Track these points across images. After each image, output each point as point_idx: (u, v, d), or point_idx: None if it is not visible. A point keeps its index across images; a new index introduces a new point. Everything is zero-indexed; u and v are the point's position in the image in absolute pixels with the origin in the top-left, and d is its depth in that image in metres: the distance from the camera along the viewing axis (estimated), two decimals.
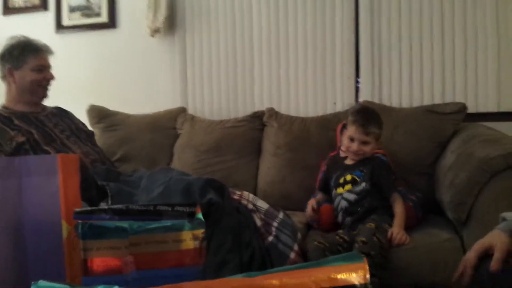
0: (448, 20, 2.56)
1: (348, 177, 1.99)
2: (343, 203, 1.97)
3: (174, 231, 0.90)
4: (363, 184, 1.95)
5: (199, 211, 0.94)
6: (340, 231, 1.89)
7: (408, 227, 1.85)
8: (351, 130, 1.99)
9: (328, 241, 1.81)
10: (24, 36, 2.11)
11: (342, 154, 2.15)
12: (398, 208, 1.89)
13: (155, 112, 2.90)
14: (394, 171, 2.11)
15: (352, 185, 1.97)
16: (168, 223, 0.90)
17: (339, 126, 2.33)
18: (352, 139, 1.98)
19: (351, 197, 1.96)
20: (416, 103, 2.59)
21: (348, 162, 2.05)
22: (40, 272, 0.97)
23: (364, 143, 1.97)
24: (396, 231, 1.79)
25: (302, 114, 2.73)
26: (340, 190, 1.99)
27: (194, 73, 2.96)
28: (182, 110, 2.91)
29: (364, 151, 1.98)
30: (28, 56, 2.04)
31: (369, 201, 1.93)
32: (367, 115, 2.01)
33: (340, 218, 1.98)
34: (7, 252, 0.98)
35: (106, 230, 0.87)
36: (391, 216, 1.88)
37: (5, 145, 1.91)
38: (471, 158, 1.83)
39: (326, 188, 2.11)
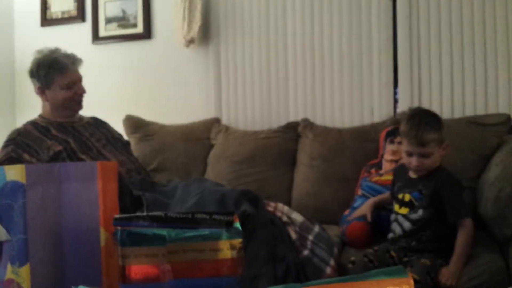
0: (490, 26, 2.49)
1: (407, 197, 1.76)
2: (398, 229, 1.76)
3: (211, 240, 0.89)
4: (420, 212, 1.71)
5: (236, 220, 0.92)
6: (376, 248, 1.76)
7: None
8: (405, 144, 1.74)
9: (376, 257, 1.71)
10: (50, 51, 2.09)
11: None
12: (460, 240, 1.66)
13: (190, 123, 2.92)
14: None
15: (409, 209, 1.74)
16: (205, 231, 0.89)
17: (383, 133, 2.23)
18: (410, 154, 1.73)
19: (406, 225, 1.74)
20: (457, 114, 2.52)
21: (412, 174, 1.82)
22: (78, 278, 0.97)
23: (424, 155, 1.70)
24: (448, 273, 1.60)
25: (337, 124, 2.69)
26: (397, 207, 1.79)
27: (229, 83, 2.97)
28: (216, 121, 2.92)
29: (427, 164, 1.71)
30: (55, 75, 2.04)
31: (428, 235, 1.70)
32: (419, 121, 1.71)
33: (390, 235, 1.81)
34: (46, 257, 0.99)
35: (145, 237, 0.87)
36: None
37: (42, 154, 1.94)
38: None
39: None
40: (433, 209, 1.69)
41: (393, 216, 1.81)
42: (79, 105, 2.14)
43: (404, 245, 1.74)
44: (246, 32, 2.92)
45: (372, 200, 1.99)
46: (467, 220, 1.68)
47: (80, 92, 2.11)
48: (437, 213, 1.69)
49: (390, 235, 1.81)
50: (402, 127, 1.77)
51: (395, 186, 1.87)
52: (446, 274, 1.60)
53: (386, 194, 1.97)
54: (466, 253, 1.66)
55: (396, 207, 1.80)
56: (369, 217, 1.90)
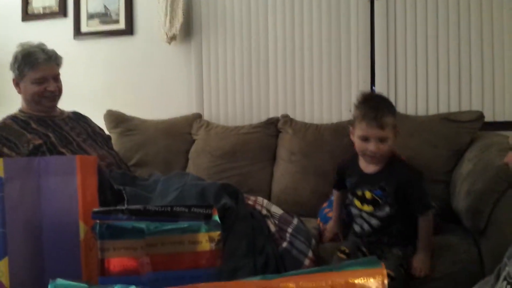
0: (464, 28, 2.55)
1: (368, 195, 1.70)
2: (366, 226, 1.72)
3: (190, 233, 0.90)
4: (387, 210, 1.67)
5: (215, 213, 0.94)
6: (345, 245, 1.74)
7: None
8: (361, 128, 1.63)
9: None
10: (29, 45, 2.07)
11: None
12: (424, 231, 1.66)
13: (171, 118, 2.92)
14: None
15: (374, 207, 1.69)
16: (184, 224, 0.91)
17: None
18: (365, 139, 1.63)
19: (374, 222, 1.71)
20: (432, 111, 2.58)
21: (365, 167, 1.73)
22: (57, 271, 0.98)
23: (382, 140, 1.61)
24: (420, 264, 1.62)
25: (316, 121, 2.73)
26: (358, 204, 1.73)
27: (210, 79, 2.98)
28: (198, 116, 2.93)
29: (383, 150, 1.62)
30: (25, 69, 2.02)
31: (398, 227, 1.69)
32: (377, 104, 1.64)
33: (357, 229, 1.78)
34: (25, 250, 0.99)
35: (123, 231, 0.88)
36: None
37: (22, 148, 1.93)
38: (488, 167, 1.81)
39: (343, 187, 1.86)
40: (399, 205, 1.66)
41: (355, 212, 1.76)
42: (50, 102, 2.10)
43: (374, 240, 1.72)
44: (227, 29, 2.94)
45: (332, 225, 1.96)
46: (428, 213, 1.67)
47: (51, 89, 2.06)
48: (403, 208, 1.67)
49: (357, 228, 1.77)
50: (358, 111, 1.65)
51: (347, 179, 1.79)
52: (418, 266, 1.63)
53: (336, 211, 1.95)
54: (431, 242, 1.69)
55: (357, 203, 1.74)
56: (341, 238, 1.91)
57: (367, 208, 1.70)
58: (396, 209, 1.66)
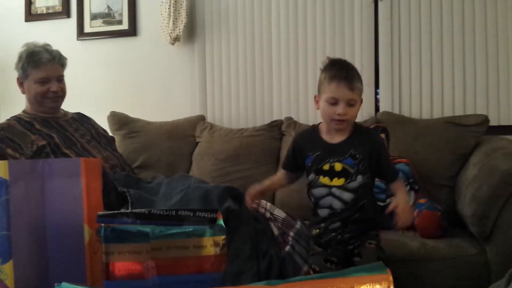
0: (470, 30, 2.54)
1: (338, 166, 1.57)
2: (337, 203, 1.58)
3: (195, 237, 0.90)
4: (359, 179, 1.56)
5: (220, 217, 0.93)
6: (324, 254, 1.60)
7: (435, 237, 1.82)
8: (330, 90, 1.53)
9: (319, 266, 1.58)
10: (34, 45, 2.07)
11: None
12: (401, 184, 1.62)
13: (175, 120, 2.92)
14: (418, 182, 1.96)
15: (345, 179, 1.56)
16: (189, 228, 0.90)
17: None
18: (334, 102, 1.53)
19: (346, 196, 1.57)
20: (436, 115, 2.57)
21: (330, 139, 1.61)
22: (62, 275, 0.97)
23: (350, 103, 1.53)
24: (401, 207, 1.52)
25: None
26: (326, 180, 1.58)
27: (213, 81, 2.98)
28: (201, 118, 2.92)
29: (351, 115, 1.54)
30: (29, 69, 2.02)
31: (368, 201, 1.59)
32: (347, 65, 1.58)
33: (323, 213, 1.61)
34: (30, 253, 0.99)
35: (128, 234, 0.87)
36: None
37: (26, 149, 1.93)
38: (494, 171, 1.80)
39: (295, 167, 1.71)
40: (370, 173, 1.58)
41: (322, 191, 1.59)
42: (54, 103, 2.09)
43: (346, 217, 1.59)
44: (231, 31, 2.93)
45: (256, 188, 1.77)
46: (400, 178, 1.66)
47: (54, 90, 2.05)
48: (372, 176, 1.60)
49: (324, 212, 1.61)
50: (326, 73, 1.57)
51: (307, 155, 1.63)
52: (403, 215, 1.52)
53: (275, 177, 1.84)
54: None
55: (324, 180, 1.58)
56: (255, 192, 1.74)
57: (338, 182, 1.56)
58: (368, 177, 1.57)
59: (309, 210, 1.69)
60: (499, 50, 2.51)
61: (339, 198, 1.58)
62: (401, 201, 1.54)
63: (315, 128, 1.68)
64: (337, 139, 1.60)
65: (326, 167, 1.58)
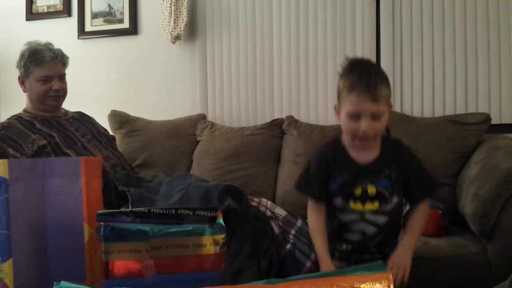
0: (471, 28, 2.53)
1: (371, 190, 1.36)
2: (370, 229, 1.39)
3: (194, 236, 0.90)
4: (395, 200, 1.38)
5: (220, 216, 0.93)
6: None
7: (436, 235, 1.81)
8: (351, 102, 1.29)
9: None
10: (36, 43, 2.08)
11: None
12: (420, 219, 1.39)
13: (175, 119, 2.92)
14: None
15: (380, 202, 1.37)
16: (189, 227, 0.90)
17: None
18: (356, 116, 1.30)
19: (381, 220, 1.39)
20: (438, 113, 2.56)
21: (360, 157, 1.38)
22: (61, 273, 0.98)
23: (376, 116, 1.29)
24: (401, 259, 1.33)
25: (321, 122, 2.72)
26: (357, 206, 1.38)
27: (214, 80, 2.97)
28: (202, 117, 2.92)
29: (377, 129, 1.32)
30: (31, 67, 2.02)
31: (397, 222, 1.45)
32: (369, 70, 1.32)
33: (354, 238, 1.43)
34: (30, 252, 0.99)
35: (128, 233, 0.87)
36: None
37: (27, 148, 1.93)
38: (495, 170, 1.80)
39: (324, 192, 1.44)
40: (403, 192, 1.40)
41: (354, 217, 1.40)
42: (55, 102, 2.09)
43: (378, 243, 1.42)
44: (232, 29, 2.93)
45: (327, 261, 1.41)
46: (428, 198, 1.43)
47: (56, 88, 2.05)
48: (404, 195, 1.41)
49: (355, 237, 1.43)
50: (345, 81, 1.33)
51: (335, 179, 1.40)
52: (398, 264, 1.32)
53: (324, 239, 1.44)
54: (420, 234, 1.43)
55: (355, 206, 1.38)
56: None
57: (372, 206, 1.38)
58: (401, 196, 1.40)
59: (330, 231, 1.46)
60: (501, 48, 2.50)
61: (373, 223, 1.39)
62: (399, 259, 1.32)
63: (338, 144, 1.42)
64: (367, 157, 1.38)
65: (358, 192, 1.37)
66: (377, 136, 1.36)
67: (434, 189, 1.45)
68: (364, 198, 1.38)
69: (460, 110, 2.53)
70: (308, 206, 1.48)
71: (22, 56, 2.05)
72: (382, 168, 1.37)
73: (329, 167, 1.40)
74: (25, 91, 2.09)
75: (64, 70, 2.13)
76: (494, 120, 2.39)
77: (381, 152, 1.38)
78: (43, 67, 2.03)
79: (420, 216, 1.41)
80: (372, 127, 1.29)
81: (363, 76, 1.29)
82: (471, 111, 2.49)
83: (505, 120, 2.50)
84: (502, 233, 1.68)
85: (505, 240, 1.62)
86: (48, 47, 2.08)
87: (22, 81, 2.07)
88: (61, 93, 2.10)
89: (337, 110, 1.39)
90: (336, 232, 1.46)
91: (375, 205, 1.38)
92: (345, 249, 1.46)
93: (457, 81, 2.56)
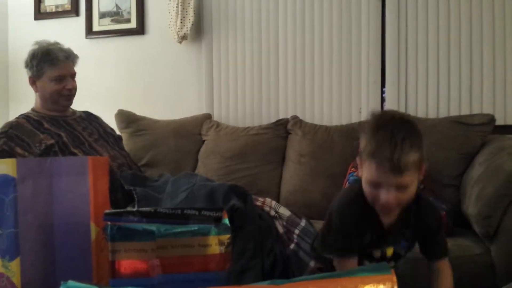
0: (477, 29, 2.53)
1: (389, 252, 1.30)
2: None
3: (200, 236, 0.90)
4: (408, 253, 1.36)
5: (225, 216, 0.94)
6: None
7: None
8: (370, 170, 1.16)
9: None
10: (47, 43, 2.09)
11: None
12: (449, 276, 1.31)
13: (181, 118, 2.93)
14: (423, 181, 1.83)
15: (396, 261, 1.34)
16: (194, 227, 0.90)
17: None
18: (377, 185, 1.16)
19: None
20: (442, 114, 2.56)
21: (384, 218, 1.26)
22: (68, 272, 0.99)
23: (400, 187, 1.14)
24: None
25: (326, 122, 2.73)
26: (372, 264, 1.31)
27: (220, 79, 2.99)
28: (208, 117, 2.93)
29: (403, 200, 1.18)
30: (45, 67, 2.04)
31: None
32: (393, 135, 1.13)
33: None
34: (37, 251, 1.00)
35: (134, 233, 0.88)
36: None
37: (35, 147, 1.95)
38: (499, 171, 1.80)
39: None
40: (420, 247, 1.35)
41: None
42: (67, 101, 2.12)
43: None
44: (238, 30, 2.94)
45: None
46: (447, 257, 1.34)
47: (70, 87, 2.08)
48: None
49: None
50: (367, 142, 1.17)
51: (360, 234, 1.27)
52: None
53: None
54: None
55: (371, 263, 1.31)
56: None
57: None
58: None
59: None
60: (506, 49, 2.50)
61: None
62: None
63: (362, 200, 1.24)
64: (390, 218, 1.26)
65: (377, 254, 1.29)
66: (402, 206, 1.21)
67: (446, 252, 1.34)
68: (381, 259, 1.31)
69: (465, 111, 2.53)
70: (340, 264, 1.28)
71: (33, 56, 2.06)
72: (404, 229, 1.28)
73: (359, 226, 1.26)
74: (36, 91, 2.10)
75: (75, 69, 2.16)
76: (499, 121, 2.39)
77: (404, 212, 1.26)
78: (57, 67, 2.05)
79: (449, 278, 1.31)
80: (395, 198, 1.15)
81: (387, 143, 1.12)
82: (476, 112, 2.49)
83: (510, 121, 2.50)
84: (506, 234, 1.67)
85: (509, 242, 1.62)
86: (59, 46, 2.10)
87: (33, 81, 2.08)
88: (73, 92, 2.13)
89: (359, 166, 1.24)
90: None
91: (390, 264, 1.31)
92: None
93: (462, 82, 2.55)
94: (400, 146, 1.11)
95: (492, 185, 1.77)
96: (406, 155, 1.11)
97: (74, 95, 2.14)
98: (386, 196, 1.14)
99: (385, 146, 1.12)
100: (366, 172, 1.18)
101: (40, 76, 2.05)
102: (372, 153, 1.15)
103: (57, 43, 2.12)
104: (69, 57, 2.10)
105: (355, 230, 1.25)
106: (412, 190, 1.17)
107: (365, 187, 1.20)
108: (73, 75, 2.12)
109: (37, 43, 2.10)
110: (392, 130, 1.14)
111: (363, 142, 1.19)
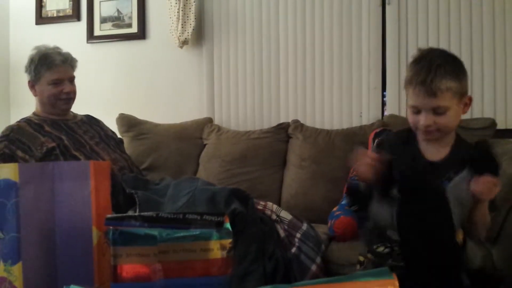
0: (477, 33, 2.54)
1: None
2: None
3: (202, 240, 0.90)
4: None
5: (227, 220, 0.94)
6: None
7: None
8: (410, 96, 1.28)
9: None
10: (45, 48, 2.10)
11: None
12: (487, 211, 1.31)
13: (183, 122, 2.94)
14: None
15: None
16: (196, 232, 0.90)
17: (372, 134, 2.03)
18: (416, 110, 1.26)
19: None
20: None
21: (429, 154, 1.30)
22: (70, 276, 0.98)
23: (437, 111, 1.23)
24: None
25: (327, 126, 2.73)
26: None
27: (221, 84, 2.99)
28: (209, 120, 2.94)
29: (441, 124, 1.24)
30: (42, 71, 2.05)
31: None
32: (430, 63, 1.23)
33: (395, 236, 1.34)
34: (39, 255, 1.00)
35: (136, 237, 0.88)
36: None
37: (36, 151, 1.95)
38: (501, 175, 1.79)
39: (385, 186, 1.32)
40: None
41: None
42: (66, 104, 2.13)
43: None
44: (239, 34, 2.95)
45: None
46: None
47: (67, 91, 2.08)
48: None
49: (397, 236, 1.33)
50: (408, 72, 1.30)
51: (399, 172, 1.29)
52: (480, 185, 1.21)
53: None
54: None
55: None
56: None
57: None
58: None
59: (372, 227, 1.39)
60: (507, 54, 2.50)
61: None
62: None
63: (411, 133, 1.33)
64: (435, 155, 1.30)
65: (395, 236, 1.31)
66: (442, 131, 1.27)
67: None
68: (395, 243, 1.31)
69: (466, 115, 2.52)
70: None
71: (31, 60, 2.08)
72: (452, 167, 1.28)
73: (391, 156, 1.30)
74: (35, 95, 2.11)
75: (73, 73, 2.16)
76: (500, 125, 2.39)
77: (451, 151, 1.30)
78: (54, 70, 2.06)
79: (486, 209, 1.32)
80: (432, 121, 1.24)
81: (423, 69, 1.23)
82: (477, 116, 2.49)
83: (511, 125, 2.50)
84: (507, 238, 1.67)
85: (510, 245, 1.62)
86: (57, 50, 2.11)
87: (32, 85, 2.10)
88: (72, 96, 2.13)
89: (406, 97, 1.34)
90: (378, 228, 1.38)
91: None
92: (381, 252, 1.35)
93: None
94: (434, 71, 1.22)
95: None
96: (440, 79, 1.21)
97: (73, 98, 2.14)
98: (424, 119, 1.24)
99: (421, 72, 1.23)
100: (409, 100, 1.29)
101: (38, 80, 2.07)
102: (410, 79, 1.26)
103: (56, 48, 2.13)
104: (67, 61, 2.11)
105: (388, 159, 1.28)
106: (451, 116, 1.24)
107: (409, 116, 1.30)
108: (71, 78, 2.13)
109: (36, 48, 2.11)
110: (431, 59, 1.25)
111: (406, 74, 1.30)
